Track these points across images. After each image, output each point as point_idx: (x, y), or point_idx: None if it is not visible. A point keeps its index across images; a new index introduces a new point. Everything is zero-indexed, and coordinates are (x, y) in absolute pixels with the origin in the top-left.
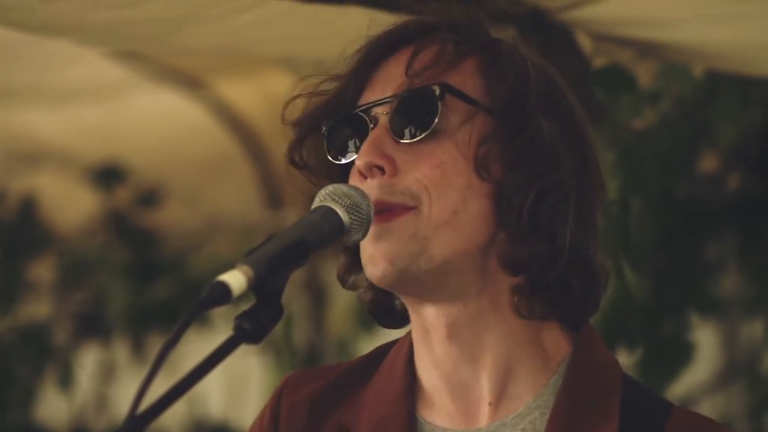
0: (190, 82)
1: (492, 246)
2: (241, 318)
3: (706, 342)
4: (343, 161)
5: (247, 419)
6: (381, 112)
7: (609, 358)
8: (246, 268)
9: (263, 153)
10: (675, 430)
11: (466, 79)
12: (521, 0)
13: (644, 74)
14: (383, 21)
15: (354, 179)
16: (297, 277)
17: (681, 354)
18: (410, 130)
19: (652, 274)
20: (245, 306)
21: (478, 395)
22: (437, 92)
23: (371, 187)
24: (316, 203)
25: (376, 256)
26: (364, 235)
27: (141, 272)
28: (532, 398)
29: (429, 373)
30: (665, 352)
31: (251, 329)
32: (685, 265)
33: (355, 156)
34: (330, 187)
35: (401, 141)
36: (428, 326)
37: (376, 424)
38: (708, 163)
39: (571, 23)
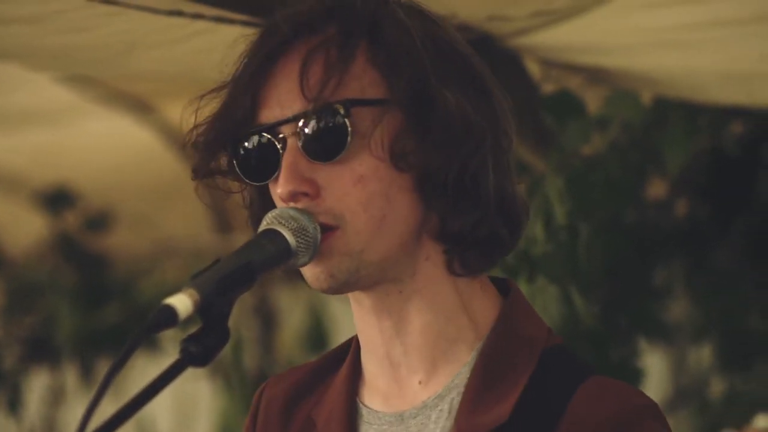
0: (140, 106)
1: (423, 227)
2: (187, 341)
3: (655, 368)
4: (259, 183)
5: None
6: (288, 132)
7: (531, 332)
8: (192, 291)
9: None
10: (581, 397)
11: (363, 79)
12: (470, 25)
13: (593, 100)
14: None
15: (278, 201)
16: (247, 301)
17: (630, 380)
18: (324, 152)
19: (601, 300)
20: (193, 329)
21: (409, 375)
22: (342, 111)
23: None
24: (263, 226)
25: (315, 272)
26: (311, 258)
27: (90, 296)
28: (452, 377)
29: (368, 357)
30: (614, 378)
31: (197, 352)
32: (633, 291)
33: (271, 177)
34: (277, 211)
35: (317, 162)
36: (361, 309)
37: (327, 414)
38: (656, 189)
39: (520, 49)
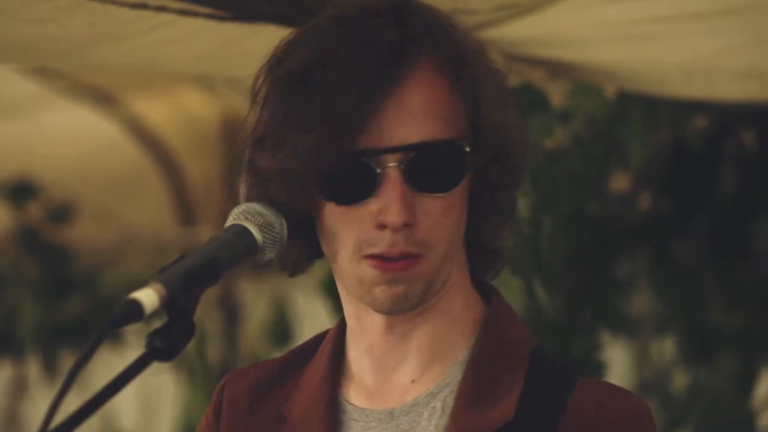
0: (103, 98)
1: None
2: (152, 336)
3: (618, 360)
4: (348, 205)
5: None
6: (392, 160)
7: (517, 334)
8: (158, 286)
9: (177, 170)
10: (580, 399)
11: (453, 110)
12: None
13: (556, 94)
14: None
15: (367, 224)
16: (211, 294)
17: (592, 372)
18: (436, 186)
19: (564, 293)
20: (158, 323)
21: (402, 375)
22: (467, 148)
23: (396, 239)
24: (230, 222)
25: (392, 296)
26: (277, 254)
27: (53, 289)
28: (444, 375)
29: (359, 355)
30: (577, 371)
31: (163, 347)
32: (596, 284)
33: (361, 200)
34: (243, 206)
35: (422, 193)
36: (365, 318)
37: (303, 410)
38: (619, 182)
39: (483, 43)
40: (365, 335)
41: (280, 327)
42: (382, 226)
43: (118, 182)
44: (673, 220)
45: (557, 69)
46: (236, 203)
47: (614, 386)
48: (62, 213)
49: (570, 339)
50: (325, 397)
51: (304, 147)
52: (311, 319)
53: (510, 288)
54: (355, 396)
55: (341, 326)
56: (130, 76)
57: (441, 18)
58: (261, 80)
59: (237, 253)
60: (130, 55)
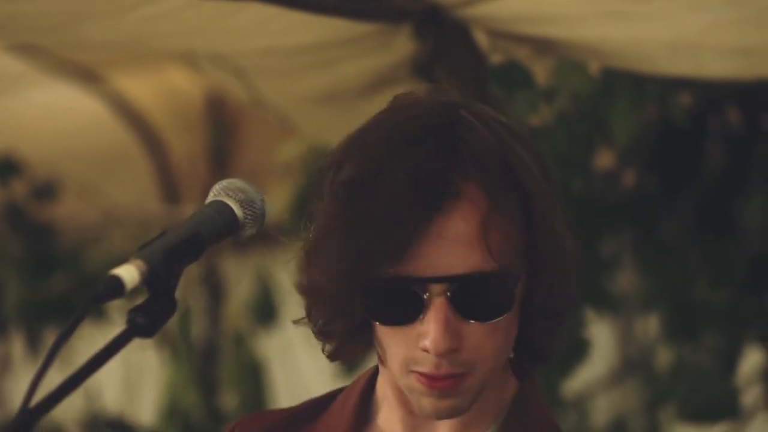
0: (87, 75)
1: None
2: (133, 312)
3: (602, 338)
4: (386, 325)
5: (142, 413)
6: (439, 288)
7: (547, 414)
8: (139, 262)
9: (161, 147)
10: None
11: (504, 235)
12: None
13: (541, 71)
14: (282, 18)
15: (413, 345)
16: (194, 271)
17: (576, 350)
18: (483, 315)
19: None
20: (140, 299)
21: None
22: (512, 284)
23: (441, 362)
24: (211, 198)
25: (440, 409)
26: (258, 230)
27: (37, 266)
28: None
29: (392, 418)
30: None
31: (144, 323)
32: (580, 261)
33: (408, 323)
34: (224, 182)
35: (469, 321)
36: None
37: None
38: (604, 160)
39: (468, 20)
40: (405, 406)
41: (264, 304)
42: (426, 350)
43: (103, 159)
44: (658, 198)
45: (542, 46)
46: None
47: None
48: (46, 190)
49: None
50: None
51: (342, 267)
52: (295, 296)
53: None
54: None
55: (371, 380)
56: (114, 53)
57: (496, 132)
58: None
59: (218, 229)
60: (114, 32)
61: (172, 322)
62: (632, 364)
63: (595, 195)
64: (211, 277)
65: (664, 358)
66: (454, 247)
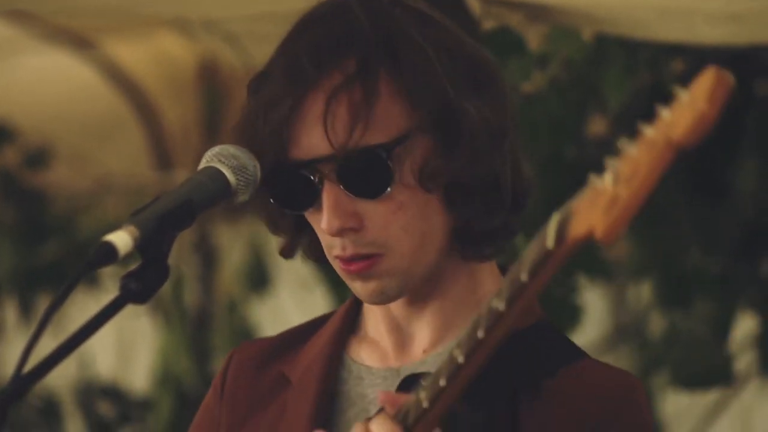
0: (79, 42)
1: (454, 232)
2: (126, 278)
3: (594, 305)
4: (296, 212)
5: (136, 380)
6: (326, 168)
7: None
8: (132, 228)
9: (153, 114)
10: (574, 370)
11: (391, 113)
12: None
13: (533, 38)
14: None
15: (316, 225)
16: (187, 238)
17: (569, 317)
18: (366, 190)
19: None
20: (133, 266)
21: (416, 344)
22: (385, 156)
23: (344, 243)
24: (203, 164)
25: (369, 292)
26: (250, 196)
27: (29, 233)
28: (454, 340)
29: (377, 321)
30: (553, 315)
31: (137, 289)
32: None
33: (307, 209)
34: (217, 148)
35: (360, 198)
36: None
37: (305, 369)
38: (596, 126)
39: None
40: (379, 310)
41: (257, 271)
42: (330, 234)
43: (95, 126)
44: None
45: (535, 12)
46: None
47: (612, 367)
48: (39, 157)
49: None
50: (327, 354)
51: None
52: (288, 263)
53: None
54: (365, 356)
55: (353, 300)
56: (106, 20)
57: (386, 16)
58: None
59: (210, 195)
60: None
61: (165, 289)
62: (625, 331)
63: (587, 161)
64: (204, 244)
65: (656, 324)
66: (323, 127)
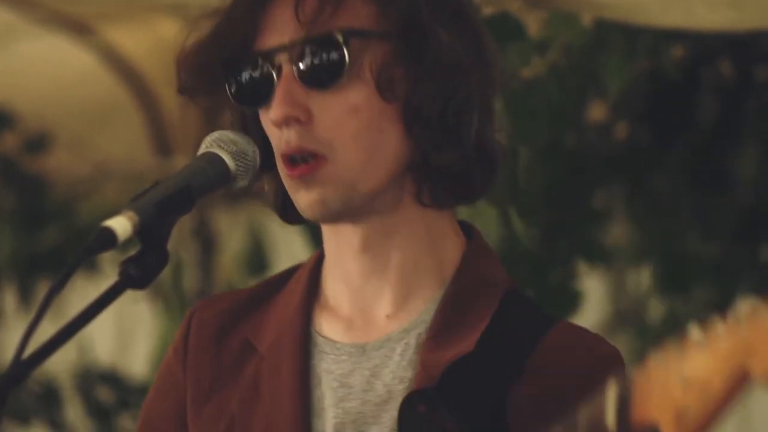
0: (78, 27)
1: (410, 160)
2: (126, 263)
3: (594, 290)
4: (250, 107)
5: (135, 366)
6: (283, 59)
7: (493, 273)
8: (131, 213)
9: (153, 99)
10: (551, 341)
11: (358, 8)
12: None
13: (533, 23)
14: None
15: (269, 127)
16: (186, 224)
17: (568, 302)
18: (320, 80)
19: (540, 223)
20: (133, 251)
21: (378, 310)
22: (341, 39)
23: (290, 135)
24: (202, 149)
25: (310, 202)
26: (250, 182)
27: (29, 219)
28: (419, 313)
29: (336, 287)
30: (552, 301)
31: (136, 275)
32: (573, 214)
33: (265, 103)
34: (216, 134)
35: (311, 89)
36: (342, 241)
37: (274, 340)
38: (596, 112)
39: None
40: (342, 265)
41: (256, 256)
42: (276, 124)
43: (94, 112)
44: (650, 150)
45: None
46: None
47: (588, 331)
48: (38, 143)
49: (546, 269)
50: (297, 327)
51: (217, 53)
52: (287, 248)
53: (486, 218)
54: (328, 329)
55: (319, 258)
56: (106, 6)
57: None
58: None
59: (210, 181)
60: None
61: (164, 275)
62: (624, 317)
63: (587, 147)
64: (203, 229)
65: (655, 310)
66: (293, 10)
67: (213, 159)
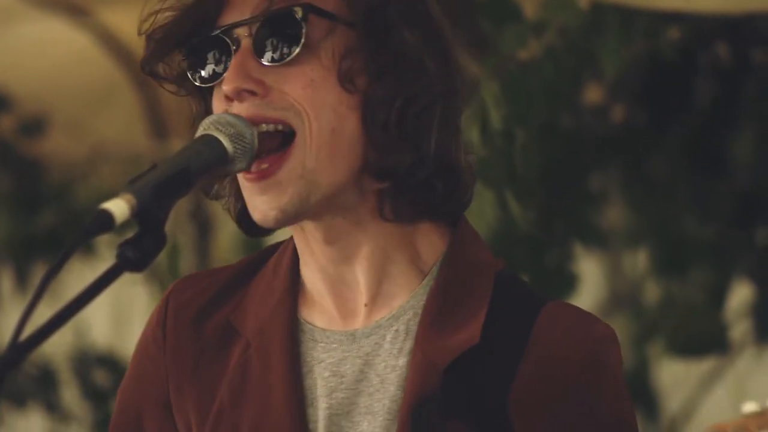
0: (75, 9)
1: (368, 160)
2: (123, 246)
3: (590, 273)
4: (206, 84)
5: (131, 348)
6: (243, 34)
7: (482, 257)
8: (129, 196)
9: (149, 82)
10: (545, 325)
11: None
12: None
13: (529, 5)
14: None
15: (220, 103)
16: (183, 206)
17: (564, 284)
18: (275, 53)
19: (537, 205)
20: (130, 234)
21: (356, 296)
22: (300, 14)
23: (240, 108)
24: (200, 132)
25: (265, 208)
26: (248, 165)
27: (25, 202)
28: (407, 299)
29: (313, 275)
30: (549, 283)
31: (134, 257)
32: (569, 196)
33: (220, 79)
34: (214, 116)
35: (266, 64)
36: (308, 235)
37: (260, 328)
38: (593, 94)
39: None
40: (312, 255)
41: (252, 239)
42: (228, 99)
43: (91, 94)
44: (647, 132)
45: None
46: None
47: (581, 310)
48: (34, 126)
49: (543, 251)
50: (284, 314)
51: (178, 29)
52: (282, 231)
53: (483, 200)
54: (315, 317)
55: (293, 245)
56: None
57: None
58: None
59: (207, 163)
60: None
61: (161, 257)
62: (620, 299)
63: (583, 129)
64: (200, 211)
65: (652, 292)
66: None
67: (211, 142)
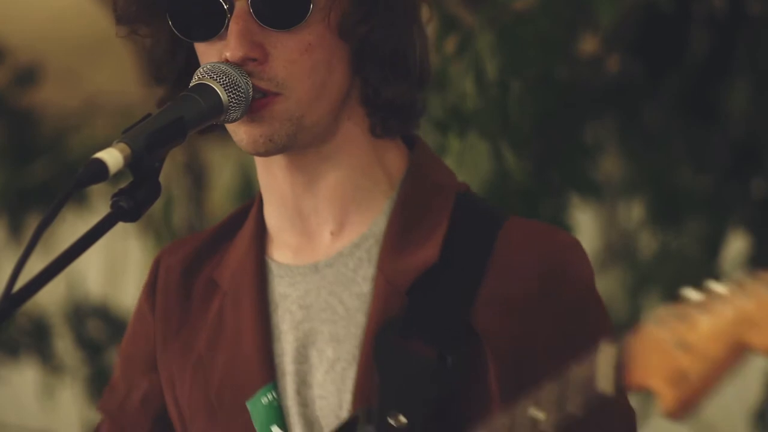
0: None
1: (351, 92)
2: (118, 196)
3: (585, 224)
4: (195, 41)
5: (125, 300)
6: None
7: (442, 179)
8: (123, 145)
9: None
10: (508, 238)
11: None
12: None
13: None
14: None
15: (212, 52)
16: (177, 158)
17: None
18: (281, 20)
19: (532, 156)
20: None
21: (320, 227)
22: None
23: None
24: (194, 81)
25: (254, 135)
26: (242, 114)
27: (18, 153)
28: (368, 226)
29: (275, 212)
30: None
31: (128, 207)
32: (564, 147)
33: (212, 36)
34: (209, 65)
35: (271, 29)
36: (272, 162)
37: (232, 274)
38: (588, 45)
39: None
40: (274, 186)
41: (246, 191)
42: (233, 62)
43: (84, 45)
44: (642, 83)
45: None
46: None
47: (542, 223)
48: (27, 76)
49: (538, 202)
50: (251, 258)
51: None
52: None
53: (478, 151)
54: (279, 255)
55: (259, 193)
56: None
57: None
58: None
59: (202, 112)
60: None
61: (155, 209)
62: (615, 250)
63: (578, 80)
64: (194, 164)
65: (647, 243)
66: None
67: (205, 90)
